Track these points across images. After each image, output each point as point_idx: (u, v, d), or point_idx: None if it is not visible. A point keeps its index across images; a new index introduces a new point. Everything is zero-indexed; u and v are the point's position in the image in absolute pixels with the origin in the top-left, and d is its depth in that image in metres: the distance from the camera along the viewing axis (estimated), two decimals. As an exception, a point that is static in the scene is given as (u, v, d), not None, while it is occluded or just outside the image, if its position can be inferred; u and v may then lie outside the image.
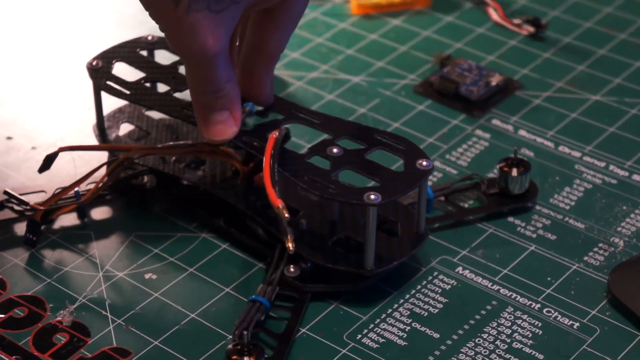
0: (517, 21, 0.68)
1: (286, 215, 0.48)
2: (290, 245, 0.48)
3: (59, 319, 0.49)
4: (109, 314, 0.50)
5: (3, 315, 0.49)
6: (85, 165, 0.56)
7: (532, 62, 0.65)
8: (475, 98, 0.62)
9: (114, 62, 0.56)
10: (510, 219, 0.55)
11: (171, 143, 0.54)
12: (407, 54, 0.66)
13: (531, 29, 0.67)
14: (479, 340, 0.49)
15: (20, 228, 0.53)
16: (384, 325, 0.49)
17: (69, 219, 0.54)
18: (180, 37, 0.48)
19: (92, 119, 0.57)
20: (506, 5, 0.69)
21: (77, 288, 0.51)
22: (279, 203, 0.48)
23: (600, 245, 0.53)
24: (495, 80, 0.63)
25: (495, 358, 0.48)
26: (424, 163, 0.50)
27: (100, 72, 0.55)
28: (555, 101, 0.63)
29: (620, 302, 0.50)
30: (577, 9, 0.70)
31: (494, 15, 0.69)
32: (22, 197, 0.54)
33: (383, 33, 0.68)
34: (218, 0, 0.46)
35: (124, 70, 0.56)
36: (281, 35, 0.51)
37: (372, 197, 0.48)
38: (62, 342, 0.48)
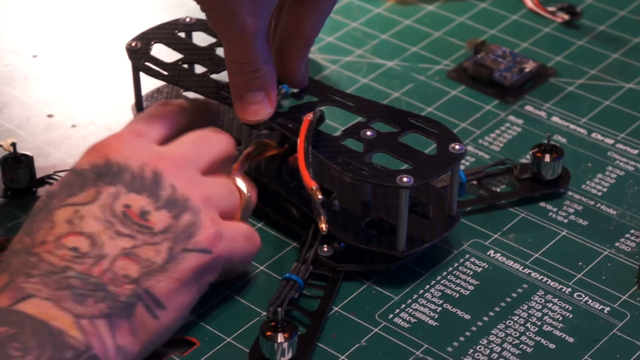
0: (551, 9, 0.67)
1: (320, 196, 0.48)
2: (323, 226, 0.48)
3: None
4: (145, 289, 0.50)
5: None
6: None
7: (566, 50, 0.65)
8: (508, 84, 0.62)
9: (152, 43, 0.56)
10: (542, 204, 0.55)
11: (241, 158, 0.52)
12: (441, 39, 0.66)
13: (566, 17, 0.67)
14: (509, 323, 0.49)
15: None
16: (415, 305, 0.50)
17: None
18: (221, 17, 0.48)
19: (131, 98, 0.58)
20: (541, -7, 0.69)
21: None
22: (313, 185, 0.48)
23: (632, 231, 0.53)
24: (529, 66, 0.62)
25: (526, 340, 0.48)
26: (457, 147, 0.50)
27: (139, 53, 0.56)
28: (588, 88, 0.62)
29: (651, 288, 0.50)
30: (612, -3, 0.70)
31: (529, 2, 0.68)
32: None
33: (417, 18, 0.68)
34: None
35: (162, 52, 0.56)
36: (317, 19, 0.51)
37: (405, 179, 0.48)
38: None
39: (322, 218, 0.48)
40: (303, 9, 0.51)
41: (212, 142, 0.50)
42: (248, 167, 0.53)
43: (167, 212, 0.46)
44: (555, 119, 0.60)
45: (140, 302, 0.44)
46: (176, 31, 0.57)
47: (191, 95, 0.57)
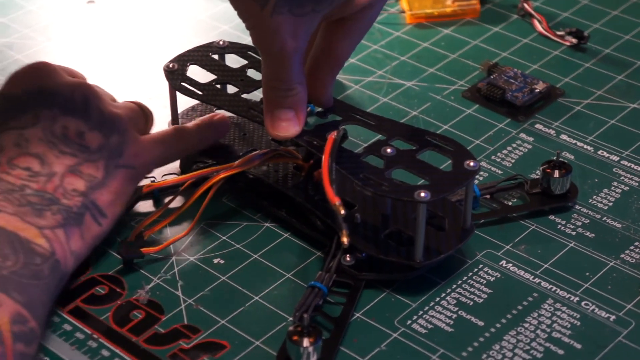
0: (560, 33, 0.67)
1: (342, 212, 0.48)
2: (345, 239, 0.48)
3: (135, 297, 0.50)
4: (180, 294, 0.50)
5: (86, 293, 0.50)
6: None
7: (574, 71, 0.65)
8: (520, 104, 0.61)
9: (188, 64, 0.57)
10: (552, 217, 0.54)
11: (247, 157, 0.53)
12: (457, 61, 0.66)
13: (574, 40, 0.67)
14: (520, 329, 0.48)
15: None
16: (432, 312, 0.49)
17: (145, 207, 0.55)
18: (263, 35, 0.48)
19: (168, 115, 0.58)
20: (550, 18, 0.69)
21: (152, 270, 0.51)
22: (336, 200, 0.48)
23: (637, 244, 0.53)
24: (539, 87, 0.62)
25: (536, 346, 0.48)
26: (471, 164, 0.50)
27: (175, 74, 0.56)
28: (595, 108, 0.62)
29: (654, 298, 0.49)
30: (617, 22, 0.69)
31: (539, 26, 0.68)
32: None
33: (434, 41, 0.68)
34: (300, 5, 0.47)
35: (197, 72, 0.56)
36: (349, 43, 0.51)
37: (422, 194, 0.48)
38: (139, 318, 0.49)
39: (344, 232, 0.48)
40: (338, 32, 0.51)
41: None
42: (260, 167, 0.54)
43: (99, 133, 0.50)
44: (563, 136, 0.60)
45: (88, 212, 0.48)
46: (210, 53, 0.58)
47: (223, 113, 0.58)
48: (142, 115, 0.54)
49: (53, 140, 0.48)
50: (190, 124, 0.55)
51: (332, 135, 0.51)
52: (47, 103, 0.49)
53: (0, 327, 0.41)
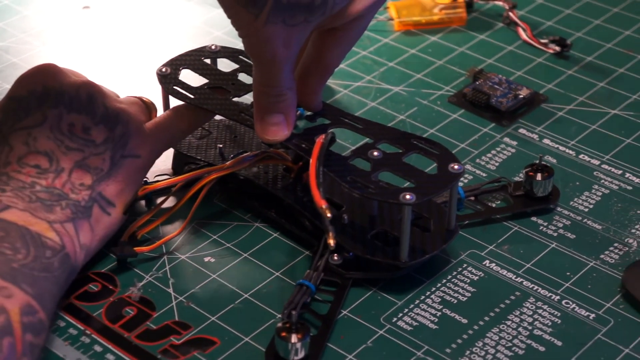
0: (544, 40, 0.68)
1: (328, 215, 0.48)
2: (331, 241, 0.48)
3: (128, 294, 0.50)
4: (172, 292, 0.50)
5: (79, 290, 0.50)
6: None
7: (557, 78, 0.65)
8: (504, 109, 0.62)
9: (180, 68, 0.57)
10: (534, 218, 0.55)
11: (237, 158, 0.53)
12: (443, 67, 0.66)
13: (557, 48, 0.67)
14: (503, 327, 0.49)
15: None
16: (417, 310, 0.50)
17: (138, 206, 0.55)
18: (256, 43, 0.49)
19: (161, 118, 0.58)
20: (534, 26, 0.69)
21: (144, 268, 0.52)
22: (323, 204, 0.48)
23: (616, 245, 0.53)
24: (523, 93, 0.63)
25: (518, 343, 0.48)
26: (456, 167, 0.50)
27: (168, 78, 0.56)
28: (577, 114, 0.62)
29: (632, 297, 0.50)
30: (599, 31, 0.70)
31: (523, 34, 0.69)
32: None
33: (422, 48, 0.68)
34: (292, 16, 0.47)
35: (189, 76, 0.57)
36: (340, 52, 0.51)
37: (408, 197, 0.48)
38: (131, 315, 0.49)
39: (330, 234, 0.48)
40: (329, 41, 0.51)
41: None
42: (250, 169, 0.54)
43: (104, 126, 0.50)
44: (546, 141, 0.60)
45: (95, 204, 0.49)
46: (202, 58, 0.58)
47: (215, 116, 0.58)
48: (144, 108, 0.55)
49: (60, 138, 0.49)
50: (183, 104, 0.55)
51: (320, 139, 0.51)
52: (53, 102, 0.50)
53: (11, 318, 0.42)
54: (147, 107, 0.55)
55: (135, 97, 0.55)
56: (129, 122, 0.52)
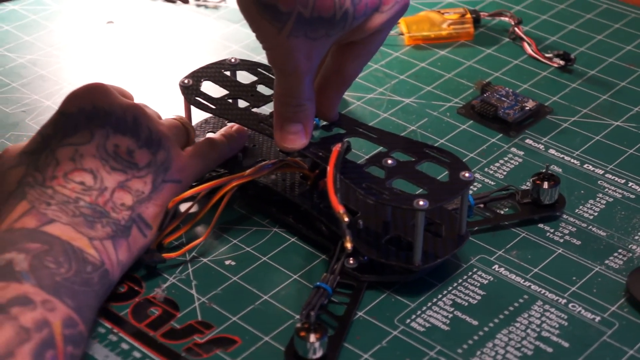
0: (549, 55, 0.68)
1: (346, 219, 0.48)
2: (348, 245, 0.49)
3: (153, 295, 0.50)
4: (194, 293, 0.51)
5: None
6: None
7: (562, 91, 0.66)
8: (511, 120, 0.62)
9: (202, 80, 0.57)
10: (541, 225, 0.55)
11: (256, 167, 0.54)
12: (452, 80, 0.67)
13: (561, 62, 0.67)
14: (512, 329, 0.49)
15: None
16: (429, 312, 0.50)
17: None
18: (279, 56, 0.49)
19: (183, 128, 0.59)
20: (539, 41, 0.70)
21: (168, 270, 0.52)
22: (340, 209, 0.48)
23: (620, 250, 0.54)
24: (529, 105, 0.63)
25: (526, 344, 0.48)
26: (467, 175, 0.51)
27: (190, 89, 0.57)
28: (581, 125, 0.63)
29: (637, 301, 0.50)
30: (602, 46, 0.70)
31: (529, 49, 0.69)
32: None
33: (431, 62, 0.69)
34: (314, 30, 0.48)
35: (210, 88, 0.57)
36: (358, 64, 0.52)
37: (421, 203, 0.49)
38: (156, 314, 0.49)
39: (347, 238, 0.49)
40: (348, 54, 0.51)
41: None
42: (269, 176, 0.55)
43: (147, 150, 0.50)
44: (552, 151, 0.61)
45: (134, 225, 0.49)
46: (223, 70, 0.58)
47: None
48: (184, 131, 0.55)
49: (105, 157, 0.49)
50: (217, 135, 0.56)
51: (337, 147, 0.51)
52: (101, 122, 0.50)
53: (53, 331, 0.42)
54: (186, 129, 0.55)
55: (175, 118, 0.55)
56: (171, 148, 0.52)
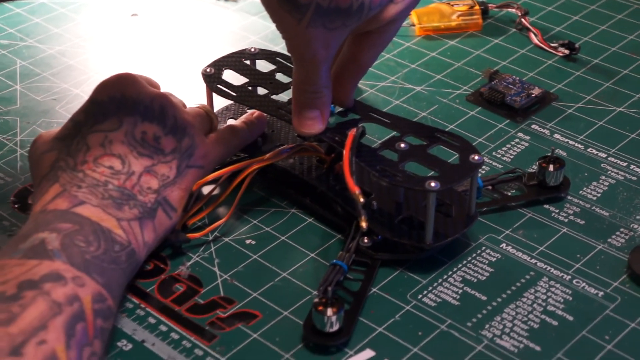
0: (554, 44, 0.68)
1: (361, 200, 0.49)
2: (364, 224, 0.50)
3: (177, 272, 0.51)
4: (217, 270, 0.52)
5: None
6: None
7: (567, 79, 0.66)
8: (518, 106, 0.63)
9: (223, 69, 0.58)
10: (546, 206, 0.56)
11: (275, 151, 0.54)
12: (461, 69, 0.67)
13: (566, 51, 0.68)
14: (519, 303, 0.50)
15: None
16: (440, 288, 0.51)
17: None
18: (297, 45, 0.50)
19: (205, 115, 0.59)
20: (545, 31, 0.70)
21: (192, 249, 0.53)
22: (356, 190, 0.49)
23: (622, 229, 0.54)
24: (535, 92, 0.63)
25: (533, 318, 0.49)
26: (476, 157, 0.51)
27: (212, 78, 0.57)
28: (585, 111, 0.63)
29: (638, 276, 0.51)
30: (605, 36, 0.70)
31: (535, 39, 0.69)
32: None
33: (441, 51, 0.69)
34: (332, 20, 0.48)
35: (231, 76, 0.58)
36: (374, 53, 0.52)
37: (432, 184, 0.49)
38: (180, 290, 0.50)
39: (363, 217, 0.49)
40: (363, 43, 0.52)
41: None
42: (287, 160, 0.55)
43: (173, 137, 0.51)
44: (557, 136, 0.61)
45: (160, 207, 0.50)
46: (243, 59, 0.59)
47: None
48: (207, 119, 0.55)
49: (133, 143, 0.50)
50: (238, 122, 0.57)
51: (352, 132, 0.52)
52: (129, 110, 0.51)
53: (84, 305, 0.43)
54: (209, 117, 0.56)
55: (199, 107, 0.56)
56: (195, 136, 0.52)
